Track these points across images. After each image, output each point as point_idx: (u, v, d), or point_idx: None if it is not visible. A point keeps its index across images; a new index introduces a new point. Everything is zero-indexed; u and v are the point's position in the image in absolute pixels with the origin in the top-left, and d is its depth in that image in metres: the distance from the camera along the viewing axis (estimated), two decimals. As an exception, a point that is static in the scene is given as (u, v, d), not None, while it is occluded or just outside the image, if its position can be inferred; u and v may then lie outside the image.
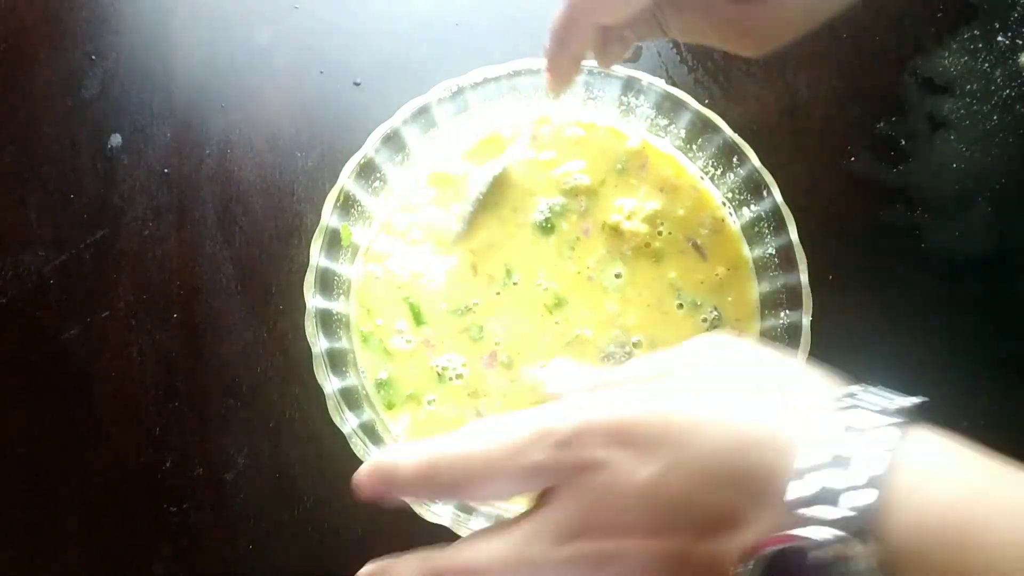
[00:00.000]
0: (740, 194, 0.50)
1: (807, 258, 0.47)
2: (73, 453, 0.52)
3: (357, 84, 0.56)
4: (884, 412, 0.29)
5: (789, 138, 0.55)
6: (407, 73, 0.55)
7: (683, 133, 0.51)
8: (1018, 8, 0.56)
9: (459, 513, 0.45)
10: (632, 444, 0.30)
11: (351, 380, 0.48)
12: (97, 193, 0.54)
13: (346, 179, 0.49)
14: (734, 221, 0.50)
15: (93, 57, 0.56)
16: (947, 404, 0.50)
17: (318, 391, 0.46)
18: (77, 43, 0.57)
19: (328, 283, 0.48)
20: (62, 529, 0.51)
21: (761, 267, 0.50)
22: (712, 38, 0.44)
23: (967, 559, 0.25)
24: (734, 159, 0.49)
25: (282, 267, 0.53)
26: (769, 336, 0.48)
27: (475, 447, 0.32)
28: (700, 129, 0.50)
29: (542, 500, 0.32)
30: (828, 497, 0.27)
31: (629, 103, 0.51)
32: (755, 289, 0.50)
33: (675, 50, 0.56)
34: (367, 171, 0.50)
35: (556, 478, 0.31)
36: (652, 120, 0.51)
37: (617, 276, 0.50)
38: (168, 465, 0.51)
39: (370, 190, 0.50)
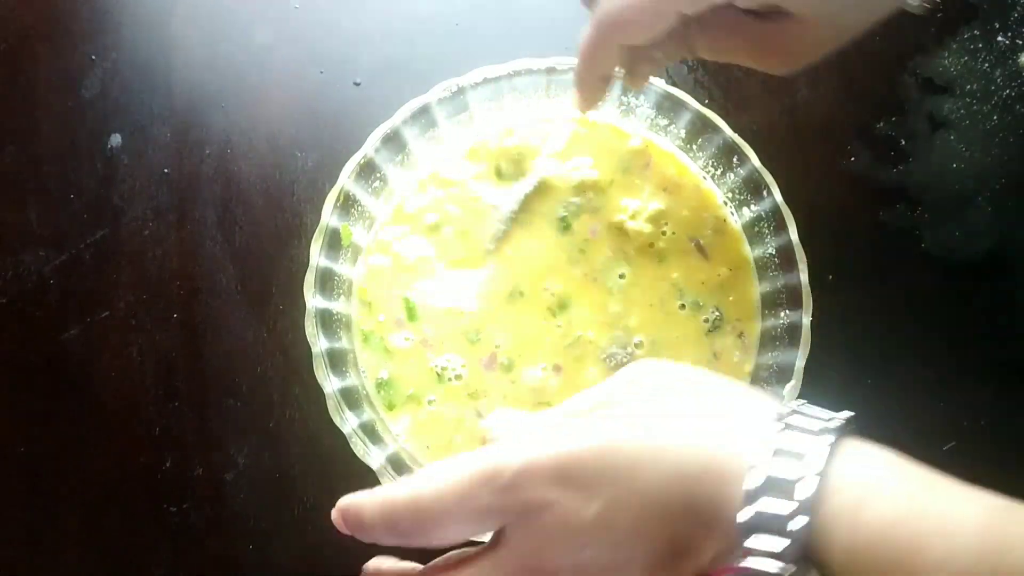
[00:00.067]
0: (740, 194, 0.50)
1: (807, 258, 0.47)
2: (73, 453, 0.51)
3: (357, 84, 0.56)
4: (823, 431, 0.29)
5: (789, 138, 0.55)
6: (407, 73, 0.55)
7: (683, 133, 0.51)
8: (1018, 8, 0.56)
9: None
10: (574, 482, 0.30)
11: (351, 380, 0.48)
12: (97, 193, 0.54)
13: (346, 179, 0.49)
14: (735, 221, 0.50)
15: (93, 57, 0.56)
16: (947, 404, 0.51)
17: (318, 391, 0.46)
18: (77, 43, 0.57)
19: (328, 283, 0.48)
20: (62, 529, 0.51)
21: (761, 267, 0.50)
22: (740, 57, 0.44)
23: None
24: (734, 159, 0.49)
25: (282, 267, 0.53)
26: (769, 336, 0.48)
27: (424, 494, 0.32)
28: (700, 129, 0.50)
29: (496, 539, 0.32)
30: (773, 523, 0.27)
31: (629, 103, 0.51)
32: (756, 289, 0.50)
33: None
34: (367, 171, 0.50)
35: (505, 519, 0.31)
36: (652, 120, 0.51)
37: (621, 277, 0.49)
38: (168, 465, 0.51)
39: (370, 190, 0.50)
